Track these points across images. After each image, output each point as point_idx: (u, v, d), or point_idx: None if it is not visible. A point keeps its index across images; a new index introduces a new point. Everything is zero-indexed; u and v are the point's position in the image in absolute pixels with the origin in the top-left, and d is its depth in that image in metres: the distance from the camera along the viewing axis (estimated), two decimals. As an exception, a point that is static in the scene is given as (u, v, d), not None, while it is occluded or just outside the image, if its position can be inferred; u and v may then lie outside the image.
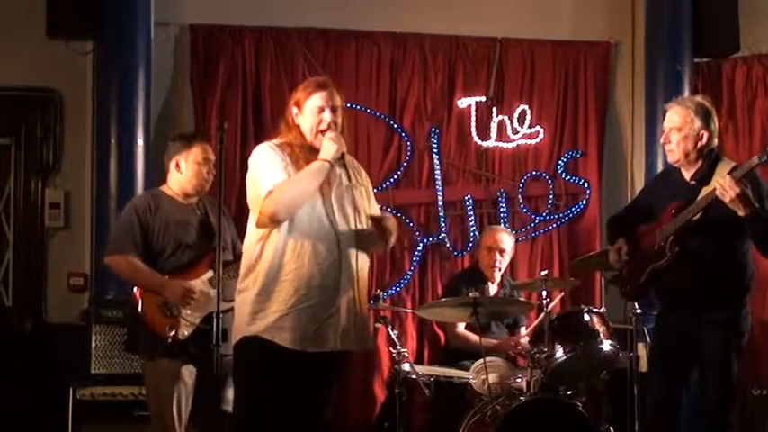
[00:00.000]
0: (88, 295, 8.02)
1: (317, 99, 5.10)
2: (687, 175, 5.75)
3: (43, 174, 8.25)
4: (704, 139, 5.70)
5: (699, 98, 5.83)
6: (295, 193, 4.94)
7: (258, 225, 5.03)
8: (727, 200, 5.32)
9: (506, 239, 7.83)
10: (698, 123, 5.68)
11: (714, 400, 5.62)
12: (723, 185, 5.30)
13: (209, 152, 6.25)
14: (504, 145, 8.78)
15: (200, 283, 6.17)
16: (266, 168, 5.03)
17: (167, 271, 6.16)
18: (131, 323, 6.17)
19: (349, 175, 5.14)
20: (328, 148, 5.02)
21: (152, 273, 6.09)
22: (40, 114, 8.22)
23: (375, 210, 5.27)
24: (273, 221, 4.95)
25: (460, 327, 7.62)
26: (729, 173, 5.38)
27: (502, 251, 7.73)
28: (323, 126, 5.06)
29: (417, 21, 8.63)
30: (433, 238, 8.66)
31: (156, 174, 7.02)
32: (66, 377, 7.17)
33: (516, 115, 8.77)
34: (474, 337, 7.18)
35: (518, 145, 8.77)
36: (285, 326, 4.93)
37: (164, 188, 6.36)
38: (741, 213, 5.34)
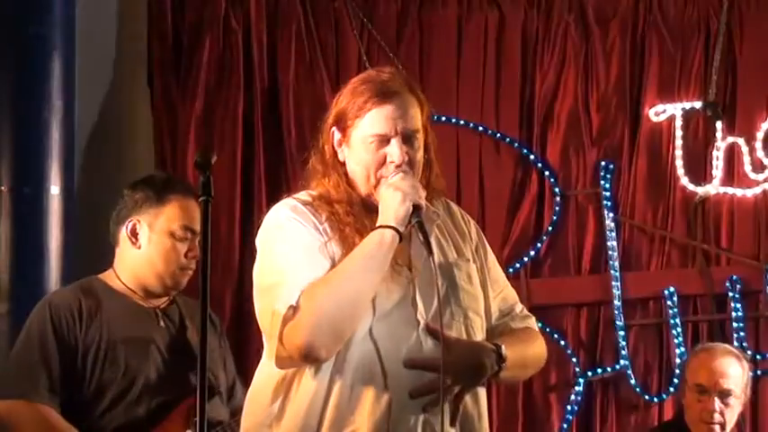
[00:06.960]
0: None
1: (375, 119, 3.47)
2: None
3: None
4: None
5: None
6: (342, 305, 3.41)
7: (279, 363, 3.47)
8: None
9: (732, 370, 5.86)
10: None
11: None
12: None
13: (195, 217, 4.65)
14: (739, 192, 6.82)
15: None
16: (286, 256, 3.46)
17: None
18: None
19: (443, 242, 3.56)
20: (390, 203, 3.47)
21: None
22: None
23: (510, 293, 3.64)
24: (308, 359, 3.45)
25: None
26: None
27: (724, 393, 5.77)
28: (385, 171, 3.49)
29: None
30: (606, 370, 6.75)
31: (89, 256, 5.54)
32: None
33: (762, 135, 6.79)
34: None
35: (766, 191, 6.82)
36: None
37: (106, 276, 4.81)
38: None
